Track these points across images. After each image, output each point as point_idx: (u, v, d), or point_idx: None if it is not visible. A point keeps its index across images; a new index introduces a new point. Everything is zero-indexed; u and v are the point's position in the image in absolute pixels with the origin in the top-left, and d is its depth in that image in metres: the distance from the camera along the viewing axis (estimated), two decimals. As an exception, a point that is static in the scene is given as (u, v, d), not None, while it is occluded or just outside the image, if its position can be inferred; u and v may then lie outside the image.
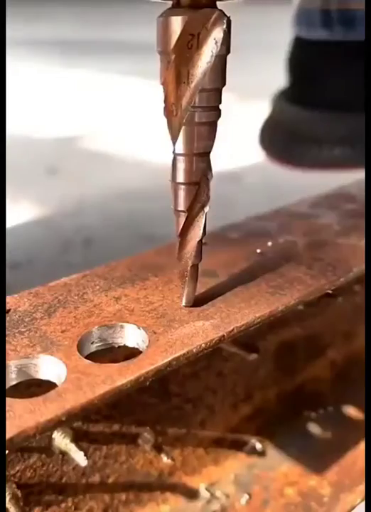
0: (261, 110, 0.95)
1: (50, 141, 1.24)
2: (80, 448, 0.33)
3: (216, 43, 0.29)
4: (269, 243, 0.42)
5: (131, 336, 0.33)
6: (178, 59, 0.30)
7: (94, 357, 0.31)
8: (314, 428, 0.47)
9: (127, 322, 0.33)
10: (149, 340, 0.31)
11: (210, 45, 0.29)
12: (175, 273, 0.36)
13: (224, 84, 0.32)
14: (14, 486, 0.34)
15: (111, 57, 2.57)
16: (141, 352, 0.31)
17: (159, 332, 0.32)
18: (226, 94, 0.33)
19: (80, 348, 0.31)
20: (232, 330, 0.32)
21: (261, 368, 0.46)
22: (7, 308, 0.34)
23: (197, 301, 0.35)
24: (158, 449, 0.40)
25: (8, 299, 0.35)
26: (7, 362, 0.29)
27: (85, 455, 0.33)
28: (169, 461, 0.40)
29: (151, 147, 1.18)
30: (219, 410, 0.44)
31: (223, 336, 0.32)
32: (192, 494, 0.41)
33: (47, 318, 0.33)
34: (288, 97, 0.91)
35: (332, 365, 0.51)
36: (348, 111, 0.87)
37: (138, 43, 2.28)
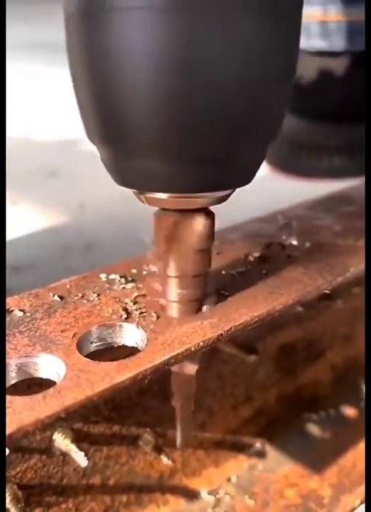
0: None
1: (50, 144, 1.23)
2: (81, 449, 0.33)
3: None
4: (267, 244, 0.43)
5: (130, 335, 0.33)
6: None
7: (93, 357, 0.31)
8: (314, 430, 0.47)
9: (126, 322, 0.33)
10: (148, 340, 0.32)
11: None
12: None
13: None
14: (15, 486, 0.34)
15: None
16: (139, 351, 0.31)
17: (158, 331, 0.32)
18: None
19: (80, 347, 0.31)
20: (230, 328, 0.33)
21: (261, 370, 0.46)
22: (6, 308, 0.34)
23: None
24: (158, 450, 0.40)
25: (8, 299, 0.35)
26: (7, 360, 0.30)
27: (86, 456, 0.33)
28: (170, 462, 0.40)
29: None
30: (219, 412, 0.44)
31: (221, 334, 0.32)
32: (192, 496, 0.41)
33: (47, 318, 0.33)
34: (287, 108, 0.92)
35: (332, 367, 0.51)
36: (347, 121, 0.87)
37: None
